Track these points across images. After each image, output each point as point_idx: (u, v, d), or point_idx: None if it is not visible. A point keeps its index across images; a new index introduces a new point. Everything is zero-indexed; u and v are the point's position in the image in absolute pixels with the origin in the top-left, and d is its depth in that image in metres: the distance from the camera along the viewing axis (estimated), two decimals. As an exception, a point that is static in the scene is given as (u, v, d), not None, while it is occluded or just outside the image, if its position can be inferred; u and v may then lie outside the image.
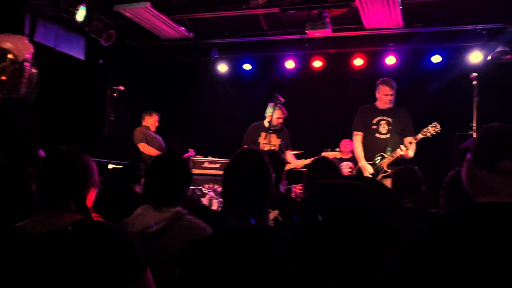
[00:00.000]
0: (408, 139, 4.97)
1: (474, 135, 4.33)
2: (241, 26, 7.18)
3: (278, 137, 5.83)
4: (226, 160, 7.34)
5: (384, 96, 5.26)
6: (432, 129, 4.86)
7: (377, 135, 5.20)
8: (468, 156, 1.57)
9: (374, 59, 7.80)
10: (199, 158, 7.39)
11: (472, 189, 1.55)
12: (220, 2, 6.36)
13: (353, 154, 7.25)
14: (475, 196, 1.54)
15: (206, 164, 7.31)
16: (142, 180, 3.80)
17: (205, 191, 7.06)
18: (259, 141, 5.74)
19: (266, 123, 5.80)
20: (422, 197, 3.12)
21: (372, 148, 5.19)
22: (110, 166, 6.08)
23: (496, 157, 1.46)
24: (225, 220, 2.78)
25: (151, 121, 6.77)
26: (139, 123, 6.93)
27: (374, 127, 5.23)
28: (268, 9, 6.21)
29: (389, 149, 5.00)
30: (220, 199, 7.06)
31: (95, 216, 1.90)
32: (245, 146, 5.74)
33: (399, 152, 4.92)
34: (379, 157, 5.11)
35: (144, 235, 2.08)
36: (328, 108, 8.33)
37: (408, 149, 4.89)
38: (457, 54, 7.25)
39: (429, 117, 7.60)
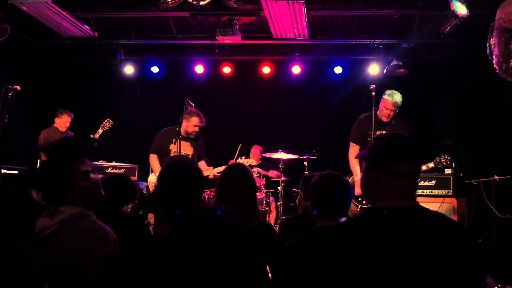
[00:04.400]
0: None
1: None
2: (150, 27, 7.03)
3: (192, 146, 5.40)
4: (131, 165, 7.16)
5: (385, 109, 4.96)
6: (444, 160, 4.87)
7: None
8: (365, 164, 1.71)
9: (281, 68, 8.05)
10: (102, 163, 7.09)
11: (370, 194, 1.69)
12: (127, 3, 6.18)
13: (261, 161, 7.43)
14: (374, 201, 1.67)
15: (110, 170, 7.03)
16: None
17: (109, 197, 6.78)
18: (170, 148, 5.26)
19: (182, 131, 5.18)
20: None
21: None
22: (3, 171, 5.60)
23: (391, 162, 1.61)
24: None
25: (60, 122, 6.53)
26: (36, 125, 6.50)
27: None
28: (178, 12, 6.15)
29: None
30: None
31: None
32: (153, 154, 5.39)
33: None
34: None
35: (41, 238, 2.01)
36: (236, 114, 8.44)
37: None
38: (357, 66, 7.74)
39: (334, 124, 8.07)
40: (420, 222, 1.54)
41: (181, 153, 5.10)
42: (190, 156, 5.29)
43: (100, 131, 6.23)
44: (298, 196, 4.96)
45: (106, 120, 6.32)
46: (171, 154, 5.22)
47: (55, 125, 6.52)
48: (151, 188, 5.53)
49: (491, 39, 3.49)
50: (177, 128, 5.06)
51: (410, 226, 1.53)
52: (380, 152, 1.67)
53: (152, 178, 5.52)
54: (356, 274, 1.47)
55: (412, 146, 1.66)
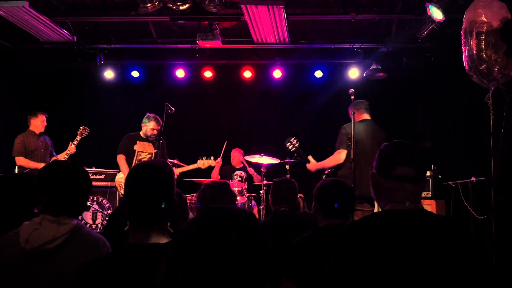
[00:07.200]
0: None
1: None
2: (130, 32, 6.98)
3: (154, 146, 5.98)
4: (111, 171, 7.08)
5: None
6: None
7: None
8: (373, 169, 1.79)
9: (262, 72, 8.07)
10: (83, 168, 7.00)
11: (377, 197, 1.77)
12: (107, 7, 6.13)
13: (243, 164, 7.41)
14: (381, 203, 1.75)
15: (90, 176, 6.94)
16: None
17: (89, 203, 6.70)
18: (134, 148, 5.88)
19: (141, 133, 5.98)
20: (294, 204, 3.54)
21: None
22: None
23: (391, 166, 1.69)
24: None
25: (37, 123, 6.22)
26: (14, 132, 6.36)
27: None
28: (158, 17, 6.13)
29: None
30: (105, 212, 6.75)
31: None
32: (120, 154, 5.88)
33: None
34: None
35: (42, 252, 1.88)
36: (218, 118, 8.42)
37: None
38: (337, 70, 7.79)
39: (315, 128, 8.11)
40: (421, 224, 1.60)
41: (145, 152, 5.91)
42: (154, 156, 5.91)
43: (79, 138, 6.25)
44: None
45: (82, 128, 6.31)
46: (136, 154, 5.86)
47: (30, 128, 6.21)
48: (119, 188, 6.07)
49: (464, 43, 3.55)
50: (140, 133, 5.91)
51: (410, 228, 1.58)
52: (381, 158, 1.76)
53: (119, 177, 6.03)
54: (356, 272, 1.54)
55: (413, 151, 1.73)
